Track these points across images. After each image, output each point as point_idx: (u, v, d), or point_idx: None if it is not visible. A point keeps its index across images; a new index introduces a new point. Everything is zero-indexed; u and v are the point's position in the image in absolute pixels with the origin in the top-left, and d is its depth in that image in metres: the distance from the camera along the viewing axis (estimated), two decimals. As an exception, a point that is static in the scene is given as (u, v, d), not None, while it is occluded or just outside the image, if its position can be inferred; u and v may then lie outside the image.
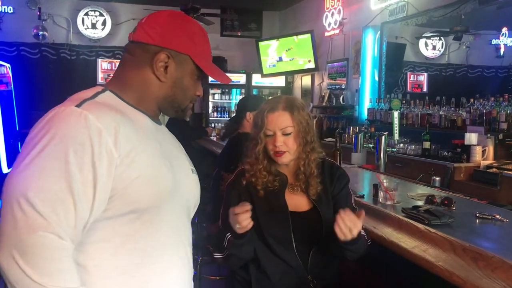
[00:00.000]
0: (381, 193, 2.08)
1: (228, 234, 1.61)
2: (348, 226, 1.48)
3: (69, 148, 0.93)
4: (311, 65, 7.27)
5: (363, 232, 1.62)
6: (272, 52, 7.66)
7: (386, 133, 3.62)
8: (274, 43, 7.68)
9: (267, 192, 1.70)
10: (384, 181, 2.14)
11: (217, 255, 1.69)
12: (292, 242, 1.67)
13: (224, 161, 2.67)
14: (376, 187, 2.15)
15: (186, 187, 1.17)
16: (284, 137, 1.67)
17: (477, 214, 1.83)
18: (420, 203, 2.00)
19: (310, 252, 1.68)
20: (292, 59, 7.49)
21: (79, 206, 0.93)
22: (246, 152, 1.75)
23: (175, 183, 1.10)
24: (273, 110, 1.69)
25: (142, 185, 1.02)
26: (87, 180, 0.94)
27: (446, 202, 1.96)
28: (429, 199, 2.00)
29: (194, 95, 1.17)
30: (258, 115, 1.73)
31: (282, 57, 7.59)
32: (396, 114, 4.87)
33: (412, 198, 2.16)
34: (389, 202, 2.03)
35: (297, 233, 1.67)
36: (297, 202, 1.72)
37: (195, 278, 1.78)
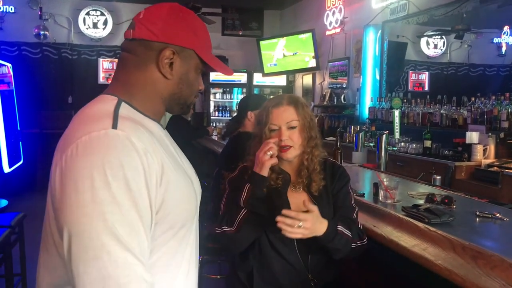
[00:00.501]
0: (382, 192, 2.08)
1: (247, 184, 1.63)
2: (297, 225, 1.47)
3: (127, 176, 0.89)
4: (314, 62, 7.25)
5: (341, 228, 1.61)
6: (279, 49, 7.61)
7: (387, 132, 3.62)
8: (280, 41, 7.63)
9: (270, 190, 1.70)
10: (385, 180, 2.14)
11: (226, 229, 1.65)
12: (294, 241, 1.68)
13: (225, 160, 2.67)
14: (376, 186, 2.15)
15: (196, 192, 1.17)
16: (290, 131, 1.68)
17: (477, 213, 1.84)
18: (420, 201, 2.00)
19: (310, 251, 1.69)
20: (296, 53, 7.44)
21: (147, 232, 0.92)
22: (249, 150, 1.76)
23: (195, 193, 1.10)
24: (277, 105, 1.70)
25: (179, 203, 1.00)
26: (146, 205, 0.92)
27: (446, 200, 1.96)
28: (430, 198, 2.00)
29: (198, 89, 1.15)
30: (262, 112, 1.73)
31: (284, 53, 7.56)
32: (397, 113, 4.86)
33: (413, 197, 2.17)
34: (389, 201, 2.04)
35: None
36: (299, 201, 1.71)
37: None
